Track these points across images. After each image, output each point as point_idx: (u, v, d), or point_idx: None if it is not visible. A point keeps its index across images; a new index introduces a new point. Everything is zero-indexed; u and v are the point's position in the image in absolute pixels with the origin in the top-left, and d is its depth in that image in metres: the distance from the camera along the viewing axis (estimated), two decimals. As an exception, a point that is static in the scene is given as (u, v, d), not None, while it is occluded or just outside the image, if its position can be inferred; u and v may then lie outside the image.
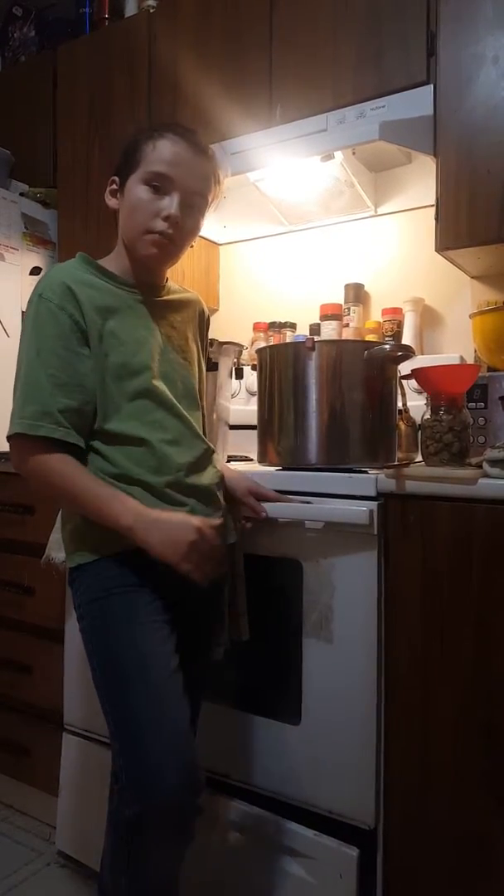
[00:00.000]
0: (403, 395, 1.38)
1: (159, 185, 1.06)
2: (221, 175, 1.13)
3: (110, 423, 1.05)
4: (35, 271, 2.03)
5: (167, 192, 1.06)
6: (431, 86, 1.45)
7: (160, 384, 1.09)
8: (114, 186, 1.12)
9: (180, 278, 1.98)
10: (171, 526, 1.00)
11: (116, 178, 1.11)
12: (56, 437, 0.99)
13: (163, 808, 0.94)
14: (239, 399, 1.86)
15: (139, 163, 1.07)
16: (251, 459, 1.57)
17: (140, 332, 1.10)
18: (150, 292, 1.14)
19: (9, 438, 1.03)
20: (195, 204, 1.09)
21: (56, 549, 1.41)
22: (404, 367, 1.29)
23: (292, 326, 1.95)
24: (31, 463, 1.01)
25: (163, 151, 1.06)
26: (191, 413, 1.14)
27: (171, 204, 1.06)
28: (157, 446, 1.06)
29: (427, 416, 1.21)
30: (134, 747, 0.96)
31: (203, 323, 1.27)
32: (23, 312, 1.94)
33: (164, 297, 1.17)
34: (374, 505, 1.13)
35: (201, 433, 1.16)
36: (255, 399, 1.41)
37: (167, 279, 1.19)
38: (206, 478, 1.13)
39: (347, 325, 1.86)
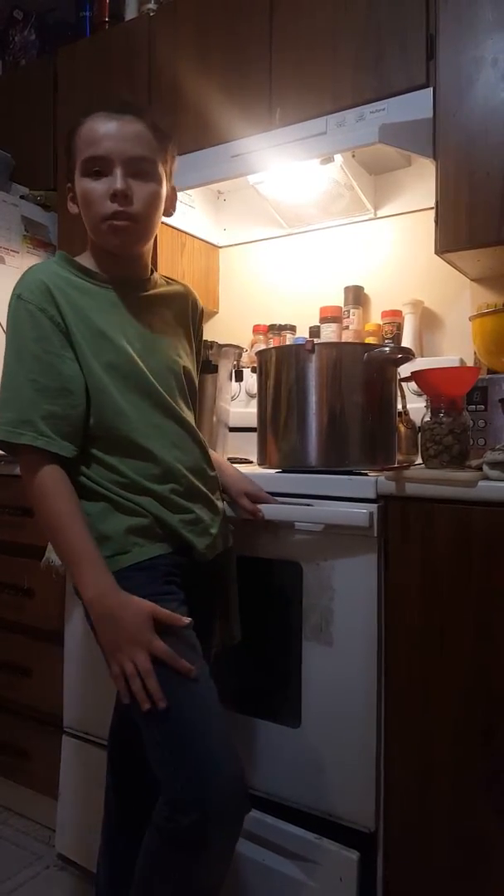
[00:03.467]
0: (403, 397, 1.38)
1: (98, 168, 1.00)
2: (162, 128, 1.05)
3: (110, 429, 1.01)
4: (35, 274, 2.03)
5: (108, 171, 1.00)
6: (431, 89, 1.45)
7: (155, 384, 1.05)
8: (71, 193, 1.08)
9: (179, 280, 1.97)
10: (123, 627, 0.93)
11: (70, 184, 1.08)
12: (38, 447, 0.96)
13: (226, 804, 0.90)
14: (239, 401, 1.86)
15: (75, 157, 1.03)
16: (251, 462, 1.57)
17: (127, 330, 1.05)
18: (134, 287, 1.09)
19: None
20: (143, 170, 1.02)
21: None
22: (404, 370, 1.29)
23: (292, 329, 1.95)
24: (35, 483, 0.98)
25: (87, 135, 1.01)
26: (187, 413, 1.11)
27: (114, 181, 1.00)
28: (160, 454, 1.03)
29: (427, 418, 1.21)
30: (191, 750, 0.92)
31: (196, 315, 1.21)
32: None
33: (151, 292, 1.12)
34: (373, 507, 1.13)
35: (197, 432, 1.13)
36: (254, 401, 1.41)
37: (152, 271, 1.14)
38: (207, 481, 1.11)
39: (347, 327, 1.86)
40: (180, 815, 0.89)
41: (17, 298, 1.00)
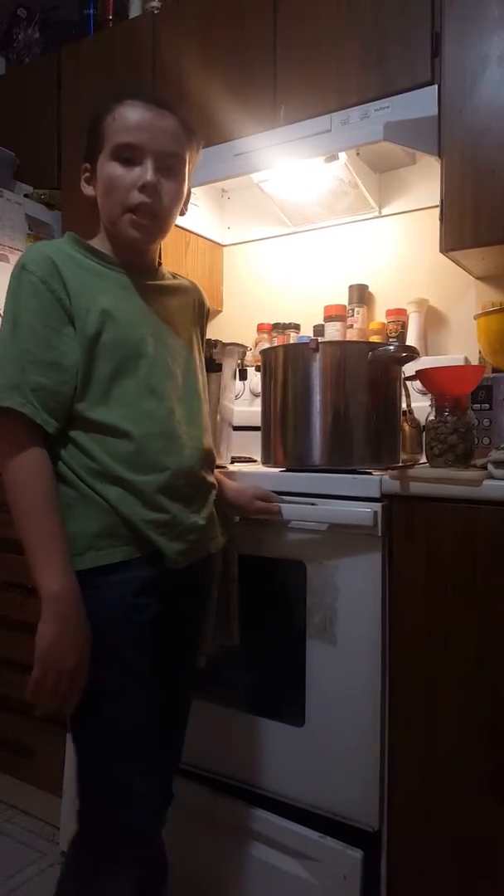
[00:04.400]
0: (408, 396, 1.37)
1: (129, 156, 0.98)
2: (193, 127, 1.04)
3: (93, 411, 0.96)
4: (39, 272, 2.04)
5: (138, 161, 0.98)
6: (436, 86, 1.45)
7: (156, 369, 1.01)
8: (87, 174, 1.04)
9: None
10: (72, 639, 0.90)
11: (87, 164, 1.04)
12: (25, 413, 0.91)
13: (133, 861, 0.98)
14: (243, 400, 1.86)
15: (104, 139, 1.00)
16: (255, 461, 1.57)
17: (135, 313, 1.02)
18: (142, 276, 1.06)
19: None
20: (172, 166, 1.00)
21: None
22: (409, 369, 1.29)
23: (296, 327, 1.95)
24: (15, 456, 0.93)
25: (124, 120, 0.98)
26: (190, 405, 1.07)
27: (144, 172, 0.98)
28: (141, 441, 0.97)
29: (431, 417, 1.21)
30: (108, 808, 0.96)
31: (203, 313, 1.20)
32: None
33: (158, 282, 1.09)
34: (378, 506, 1.13)
35: (202, 429, 1.08)
36: (258, 400, 1.41)
37: (159, 263, 1.13)
38: (199, 483, 1.05)
39: (351, 326, 1.85)
40: (80, 850, 0.99)
41: (21, 269, 0.97)
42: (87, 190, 1.05)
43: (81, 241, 1.04)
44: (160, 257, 1.88)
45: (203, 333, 1.21)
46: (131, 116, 0.99)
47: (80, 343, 0.96)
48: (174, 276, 1.16)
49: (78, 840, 1.00)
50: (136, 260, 1.06)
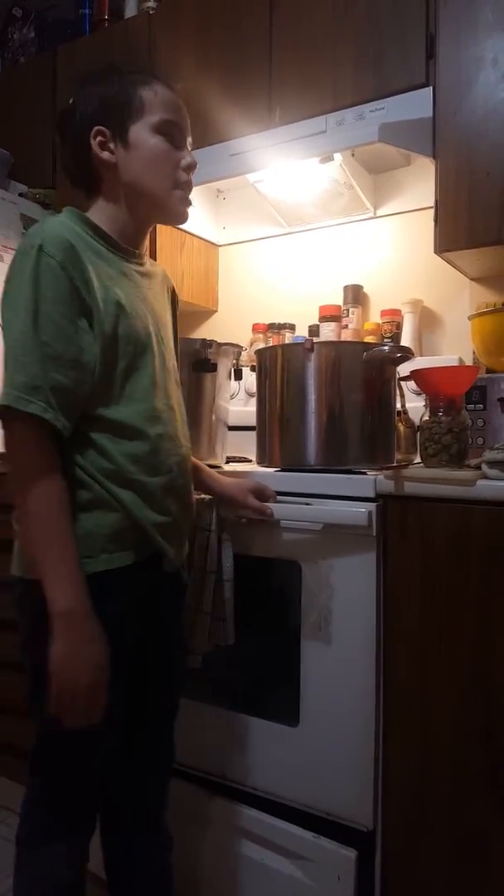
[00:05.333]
0: (402, 396, 1.38)
1: (174, 135, 0.99)
2: None
3: (109, 410, 0.92)
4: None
5: (180, 143, 1.00)
6: (431, 88, 1.45)
7: (160, 365, 0.99)
8: (101, 138, 0.97)
9: (179, 279, 1.98)
10: (85, 656, 0.86)
11: (104, 129, 0.97)
12: (46, 419, 0.85)
13: (77, 835, 1.05)
14: (238, 400, 1.86)
15: (142, 110, 0.96)
16: (250, 460, 1.57)
17: (139, 306, 0.98)
18: (132, 261, 1.02)
19: None
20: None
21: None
22: (403, 369, 1.30)
23: (291, 328, 1.95)
24: (34, 463, 0.87)
25: (169, 99, 0.99)
26: (179, 401, 1.06)
27: (188, 154, 1.01)
28: (155, 441, 0.96)
29: (426, 417, 1.21)
30: (55, 804, 1.05)
31: (175, 302, 1.16)
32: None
33: (144, 268, 1.05)
34: (372, 506, 1.13)
35: (186, 426, 1.08)
36: (254, 400, 1.41)
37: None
38: (188, 481, 1.05)
39: (346, 326, 1.86)
40: (30, 822, 1.09)
41: (39, 250, 0.88)
42: (105, 154, 0.98)
43: (88, 221, 0.97)
44: (153, 259, 1.88)
45: (177, 324, 1.16)
46: (175, 100, 1.00)
47: (97, 338, 0.91)
48: (150, 260, 1.12)
49: (27, 815, 1.07)
50: (135, 244, 1.03)
